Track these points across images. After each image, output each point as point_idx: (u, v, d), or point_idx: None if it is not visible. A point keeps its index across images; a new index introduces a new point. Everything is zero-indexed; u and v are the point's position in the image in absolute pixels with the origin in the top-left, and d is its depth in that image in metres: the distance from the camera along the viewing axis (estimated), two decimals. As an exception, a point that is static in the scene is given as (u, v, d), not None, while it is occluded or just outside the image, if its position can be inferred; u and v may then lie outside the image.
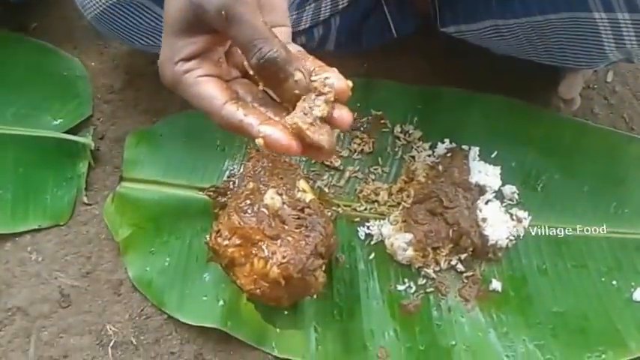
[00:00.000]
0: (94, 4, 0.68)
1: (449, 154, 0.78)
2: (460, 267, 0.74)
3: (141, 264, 0.74)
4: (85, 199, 0.78)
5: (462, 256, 0.74)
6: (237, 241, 0.66)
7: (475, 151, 0.78)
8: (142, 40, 0.72)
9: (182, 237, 0.75)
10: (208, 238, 0.67)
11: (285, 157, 0.77)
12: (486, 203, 0.76)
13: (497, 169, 0.78)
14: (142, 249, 0.75)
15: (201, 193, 0.77)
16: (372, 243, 0.76)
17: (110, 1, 0.67)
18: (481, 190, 0.76)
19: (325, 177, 0.79)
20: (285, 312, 0.72)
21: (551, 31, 0.68)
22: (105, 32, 0.74)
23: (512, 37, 0.72)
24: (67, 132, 0.79)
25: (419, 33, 0.83)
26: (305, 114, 0.40)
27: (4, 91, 0.81)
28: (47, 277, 0.74)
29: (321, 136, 0.40)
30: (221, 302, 0.72)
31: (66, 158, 0.79)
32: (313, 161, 0.79)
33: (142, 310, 0.73)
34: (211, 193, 0.76)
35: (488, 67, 0.82)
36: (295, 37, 0.78)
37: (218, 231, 0.67)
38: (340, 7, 0.78)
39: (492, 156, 0.79)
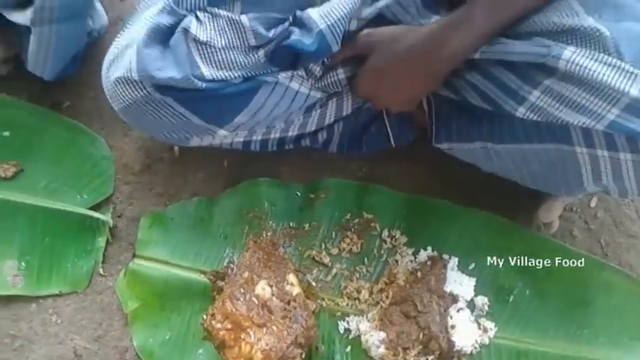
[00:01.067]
0: (121, 99, 0.79)
1: (429, 262, 0.93)
2: (426, 367, 0.90)
3: (145, 335, 0.92)
4: (101, 271, 0.96)
5: (429, 358, 0.88)
6: (229, 326, 0.82)
7: (454, 261, 0.93)
8: (164, 134, 0.85)
9: (183, 314, 0.93)
10: (204, 319, 0.84)
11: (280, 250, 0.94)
12: (458, 311, 0.90)
13: (473, 281, 0.92)
14: (147, 321, 0.92)
15: (202, 275, 0.93)
16: (350, 337, 0.91)
17: (135, 98, 0.77)
18: (454, 298, 0.91)
19: (314, 272, 0.94)
20: (268, 392, 0.89)
21: (535, 158, 0.80)
22: (129, 122, 0.88)
23: (499, 159, 0.84)
24: (90, 208, 0.96)
25: (417, 143, 0.95)
26: None
27: (39, 164, 0.98)
28: (64, 338, 0.93)
29: None
30: (212, 378, 0.90)
31: (87, 232, 0.96)
32: (305, 256, 0.95)
33: (142, 377, 0.92)
34: (211, 277, 0.92)
35: (477, 183, 0.95)
36: (301, 138, 0.94)
37: (213, 314, 0.84)
38: (344, 114, 0.91)
39: (470, 267, 0.93)
